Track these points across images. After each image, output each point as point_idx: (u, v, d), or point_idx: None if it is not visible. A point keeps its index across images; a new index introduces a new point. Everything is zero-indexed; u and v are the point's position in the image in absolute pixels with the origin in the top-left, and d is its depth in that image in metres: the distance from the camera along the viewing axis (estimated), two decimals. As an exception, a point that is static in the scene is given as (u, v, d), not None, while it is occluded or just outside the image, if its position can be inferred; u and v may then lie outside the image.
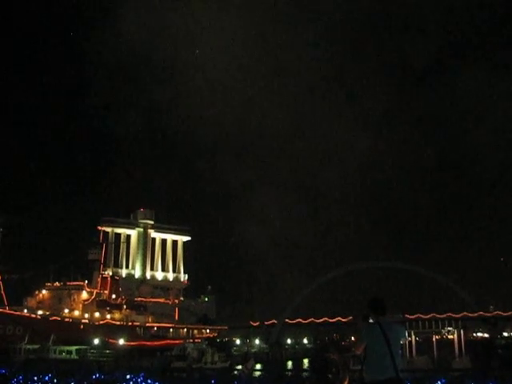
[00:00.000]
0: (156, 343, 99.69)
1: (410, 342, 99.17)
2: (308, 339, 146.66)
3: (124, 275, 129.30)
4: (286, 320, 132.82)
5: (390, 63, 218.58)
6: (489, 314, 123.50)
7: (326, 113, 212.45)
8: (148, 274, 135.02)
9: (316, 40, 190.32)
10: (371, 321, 7.98)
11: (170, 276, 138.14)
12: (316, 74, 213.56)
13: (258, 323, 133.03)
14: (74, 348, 72.60)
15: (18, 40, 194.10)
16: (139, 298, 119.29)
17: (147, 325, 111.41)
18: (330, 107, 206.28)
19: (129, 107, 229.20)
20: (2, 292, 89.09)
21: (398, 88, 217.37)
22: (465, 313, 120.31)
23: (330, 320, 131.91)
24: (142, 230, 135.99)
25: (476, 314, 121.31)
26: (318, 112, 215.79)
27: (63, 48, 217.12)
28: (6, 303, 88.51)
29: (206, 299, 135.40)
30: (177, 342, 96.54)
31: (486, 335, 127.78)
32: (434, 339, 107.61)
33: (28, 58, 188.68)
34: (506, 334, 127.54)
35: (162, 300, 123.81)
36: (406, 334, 8.21)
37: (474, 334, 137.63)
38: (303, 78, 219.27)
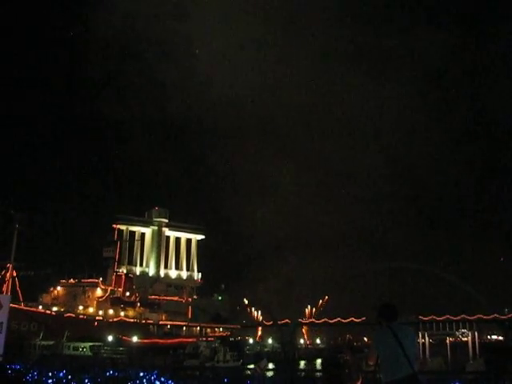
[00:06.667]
0: (169, 341, 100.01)
1: (424, 343, 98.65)
2: (321, 339, 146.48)
3: (138, 273, 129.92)
4: (300, 320, 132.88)
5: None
6: (504, 317, 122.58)
7: (350, 87, 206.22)
8: (162, 272, 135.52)
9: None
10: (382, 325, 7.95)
11: (184, 274, 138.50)
12: (336, 43, 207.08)
13: (271, 322, 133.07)
14: (87, 345, 73.02)
15: (13, 18, 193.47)
16: (153, 296, 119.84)
17: (160, 323, 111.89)
18: (354, 80, 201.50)
19: (140, 99, 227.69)
20: (18, 288, 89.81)
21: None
22: (479, 315, 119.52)
23: (344, 320, 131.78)
24: (156, 228, 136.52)
25: (491, 317, 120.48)
26: (339, 87, 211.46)
27: (61, 26, 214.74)
28: (21, 299, 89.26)
29: (220, 298, 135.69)
30: (190, 340, 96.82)
31: (501, 338, 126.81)
32: (447, 341, 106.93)
33: (23, 41, 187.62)
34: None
35: (175, 298, 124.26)
36: (415, 339, 8.14)
37: (489, 337, 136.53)
38: (321, 48, 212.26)
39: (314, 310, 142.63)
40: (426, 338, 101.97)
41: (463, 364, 55.13)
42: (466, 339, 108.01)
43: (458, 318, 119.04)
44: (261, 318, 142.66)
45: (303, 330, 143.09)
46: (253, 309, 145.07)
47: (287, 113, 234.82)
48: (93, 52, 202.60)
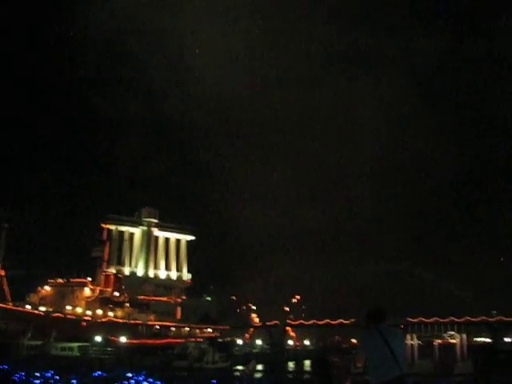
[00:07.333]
0: (157, 342, 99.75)
1: (412, 345, 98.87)
2: (310, 340, 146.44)
3: (127, 273, 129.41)
4: (288, 321, 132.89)
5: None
6: (491, 319, 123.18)
7: (347, 86, 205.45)
8: (151, 273, 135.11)
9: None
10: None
11: (173, 275, 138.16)
12: (334, 43, 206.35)
13: (260, 324, 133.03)
14: (75, 345, 72.74)
15: (13, 18, 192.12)
16: (142, 297, 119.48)
17: (149, 323, 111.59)
18: (352, 80, 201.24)
19: (133, 98, 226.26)
20: (6, 288, 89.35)
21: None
22: (467, 317, 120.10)
23: (332, 322, 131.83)
24: (145, 228, 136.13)
25: (478, 319, 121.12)
26: (337, 87, 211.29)
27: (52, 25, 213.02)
28: (9, 299, 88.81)
29: (209, 298, 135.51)
30: (178, 340, 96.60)
31: (489, 340, 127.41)
32: (436, 343, 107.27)
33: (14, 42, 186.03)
34: (508, 340, 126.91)
35: (164, 299, 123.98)
36: (403, 340, 8.18)
37: (477, 339, 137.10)
38: (319, 49, 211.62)
39: (303, 307, 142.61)
40: (415, 340, 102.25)
41: (451, 366, 55.40)
42: (454, 341, 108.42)
43: (447, 320, 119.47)
44: (256, 317, 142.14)
45: (290, 331, 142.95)
46: (245, 307, 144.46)
47: (283, 112, 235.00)
48: (87, 52, 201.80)
